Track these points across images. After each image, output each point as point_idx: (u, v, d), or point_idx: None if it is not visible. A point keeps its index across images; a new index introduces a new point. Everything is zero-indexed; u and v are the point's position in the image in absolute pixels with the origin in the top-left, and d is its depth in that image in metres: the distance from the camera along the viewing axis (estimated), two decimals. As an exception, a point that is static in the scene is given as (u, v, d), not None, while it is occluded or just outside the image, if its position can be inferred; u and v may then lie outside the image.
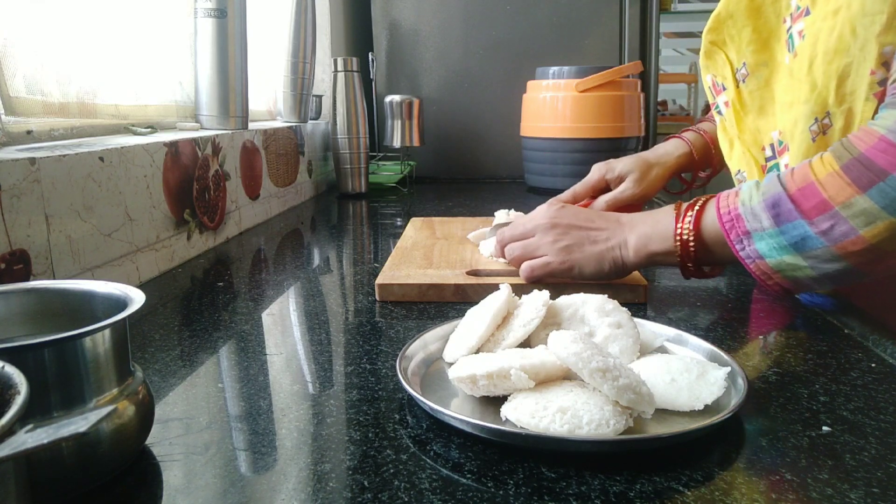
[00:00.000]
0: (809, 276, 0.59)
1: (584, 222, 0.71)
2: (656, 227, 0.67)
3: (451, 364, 0.51)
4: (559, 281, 0.71)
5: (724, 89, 0.82)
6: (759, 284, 0.63)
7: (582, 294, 0.57)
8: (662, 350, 0.55)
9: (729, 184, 0.76)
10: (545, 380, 0.45)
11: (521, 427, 0.42)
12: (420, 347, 0.54)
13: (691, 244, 0.64)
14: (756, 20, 0.74)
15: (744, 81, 0.76)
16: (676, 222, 0.65)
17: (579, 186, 0.99)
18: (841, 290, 0.73)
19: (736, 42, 0.76)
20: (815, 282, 0.60)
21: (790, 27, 0.71)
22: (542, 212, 0.74)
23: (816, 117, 0.68)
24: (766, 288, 0.62)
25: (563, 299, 0.56)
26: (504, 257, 0.77)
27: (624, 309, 0.55)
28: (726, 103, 0.82)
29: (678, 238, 0.64)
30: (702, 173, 1.04)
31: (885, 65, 0.62)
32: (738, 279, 0.84)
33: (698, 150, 0.99)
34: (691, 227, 0.64)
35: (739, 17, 0.75)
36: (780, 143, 0.75)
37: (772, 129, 0.76)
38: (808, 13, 0.67)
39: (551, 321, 0.55)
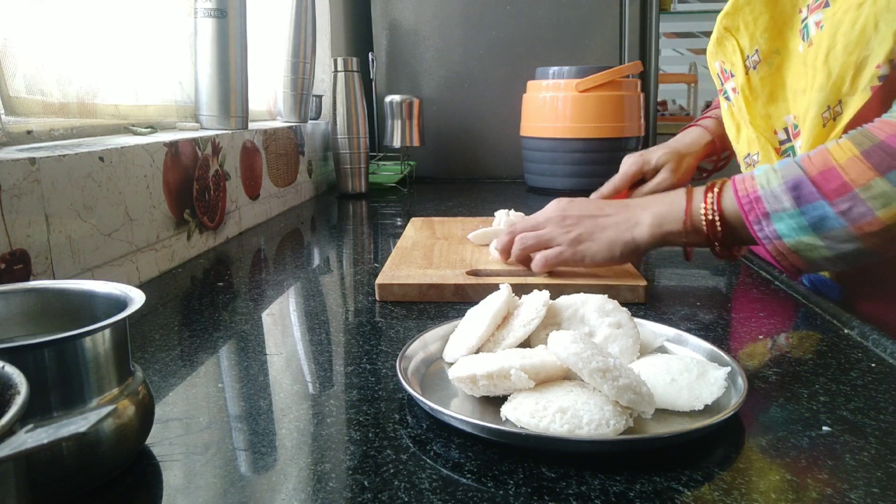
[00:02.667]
0: (824, 257, 0.62)
1: (593, 211, 0.74)
2: (672, 208, 0.69)
3: (451, 364, 0.51)
4: (572, 269, 0.73)
5: (733, 76, 0.84)
6: (774, 265, 0.65)
7: (582, 294, 0.57)
8: (662, 350, 0.55)
9: (734, 170, 0.77)
10: (545, 380, 0.45)
11: (521, 427, 0.42)
12: (420, 347, 0.54)
13: (718, 224, 0.66)
14: (773, 8, 0.76)
15: (754, 68, 0.78)
16: (688, 204, 0.68)
17: (618, 179, 1.01)
18: (847, 283, 0.75)
19: (750, 29, 0.78)
20: (828, 262, 0.63)
21: (806, 17, 0.73)
22: (552, 206, 0.76)
23: (829, 105, 0.70)
24: (780, 268, 0.65)
25: (563, 299, 0.57)
26: (511, 258, 0.78)
27: (624, 309, 0.55)
28: (734, 89, 0.84)
29: (705, 218, 0.67)
30: (724, 157, 1.07)
31: (891, 62, 0.64)
32: (739, 279, 0.84)
33: (719, 137, 1.01)
34: (715, 208, 0.66)
35: (758, 3, 0.77)
36: (796, 126, 0.77)
37: (784, 113, 0.78)
38: (827, 5, 0.68)
39: (551, 321, 0.55)
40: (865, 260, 0.63)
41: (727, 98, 0.86)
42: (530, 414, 0.42)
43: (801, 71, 0.73)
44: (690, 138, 1.03)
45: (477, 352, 0.52)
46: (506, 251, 0.78)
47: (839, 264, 0.64)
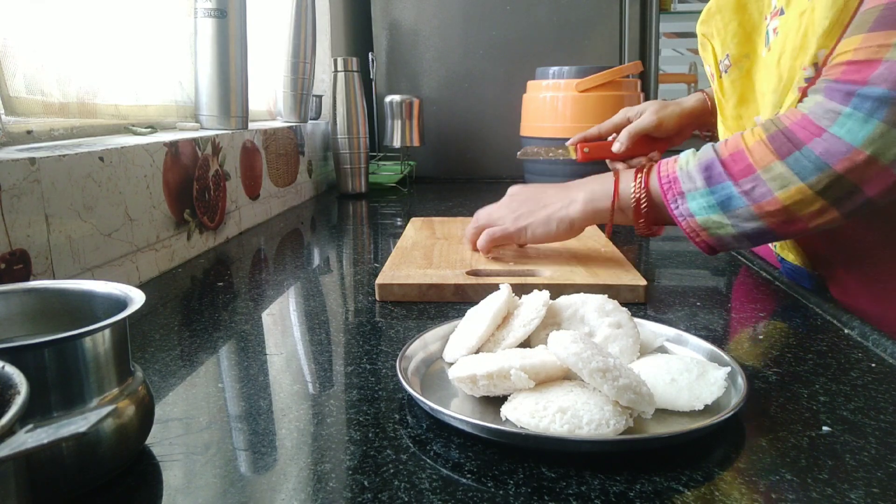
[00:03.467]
0: (731, 234, 0.67)
1: (538, 192, 0.83)
2: (603, 187, 0.76)
3: (451, 364, 0.51)
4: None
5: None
6: (691, 242, 0.70)
7: (582, 294, 0.57)
8: (662, 350, 0.55)
9: None
10: (545, 380, 0.45)
11: (521, 427, 0.42)
12: (420, 347, 0.54)
13: (644, 203, 0.72)
14: (742, 15, 0.80)
15: (726, 72, 0.81)
16: (616, 185, 0.75)
17: (605, 123, 1.09)
18: (820, 271, 0.78)
19: (722, 35, 0.81)
20: (735, 240, 0.68)
21: (769, 24, 0.76)
22: (507, 193, 0.86)
23: (781, 104, 0.73)
24: (695, 245, 0.70)
25: (563, 299, 0.57)
26: (473, 247, 0.85)
27: (624, 309, 0.55)
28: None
29: (634, 198, 0.73)
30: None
31: (815, 65, 0.67)
32: (738, 279, 0.84)
33: (714, 102, 1.04)
34: (642, 188, 0.72)
35: (727, 11, 0.80)
36: None
37: (754, 114, 0.81)
38: (782, 13, 0.72)
39: (551, 321, 0.55)
40: (769, 239, 0.68)
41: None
42: (530, 414, 0.42)
43: (765, 74, 0.76)
44: (684, 99, 1.09)
45: (477, 352, 0.52)
46: (472, 242, 0.85)
47: (745, 242, 0.68)
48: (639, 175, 0.73)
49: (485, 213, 0.85)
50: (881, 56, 0.58)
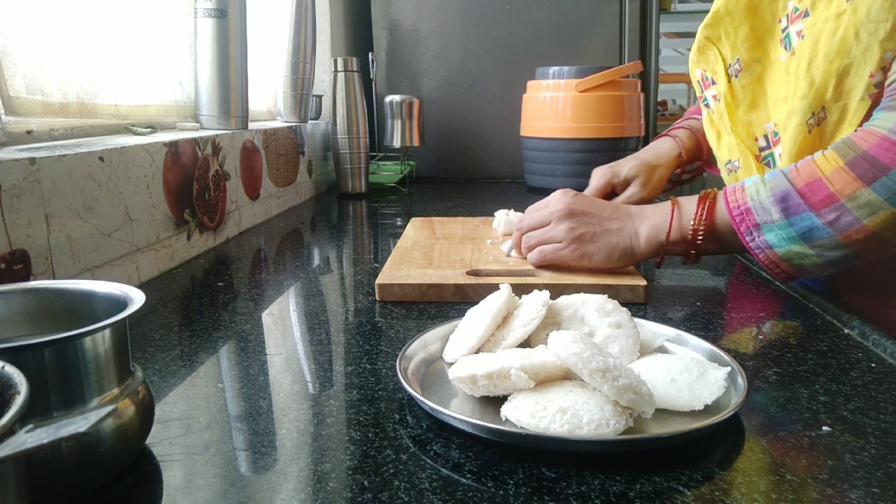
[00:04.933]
0: (815, 263, 0.65)
1: (598, 210, 0.75)
2: (667, 219, 0.72)
3: (451, 364, 0.51)
4: (571, 269, 0.75)
5: (714, 83, 0.85)
6: (767, 272, 0.67)
7: (582, 294, 0.57)
8: (662, 350, 0.55)
9: (711, 181, 0.78)
10: (545, 380, 0.45)
11: (521, 427, 0.42)
12: (420, 347, 0.54)
13: (700, 235, 0.69)
14: (753, 19, 0.78)
15: (736, 76, 0.80)
16: (674, 215, 0.71)
17: (588, 192, 1.01)
18: (834, 277, 0.76)
19: (731, 38, 0.80)
20: (819, 268, 0.65)
21: (786, 27, 0.74)
22: (558, 199, 0.77)
23: (813, 111, 0.72)
24: (773, 275, 0.68)
25: (563, 299, 0.57)
26: (521, 251, 0.80)
27: (624, 309, 0.55)
28: (714, 97, 0.86)
29: (693, 228, 0.70)
30: (690, 169, 1.09)
31: (884, 69, 0.65)
32: (739, 279, 0.84)
33: (687, 150, 1.04)
34: (703, 219, 0.69)
35: (737, 14, 0.79)
36: (776, 133, 0.78)
37: (765, 121, 0.79)
38: (807, 15, 0.70)
39: (551, 321, 0.55)
40: (855, 263, 0.65)
41: (707, 105, 0.87)
42: (530, 414, 0.42)
43: (783, 79, 0.74)
44: (662, 149, 1.04)
45: (477, 352, 0.52)
46: (518, 247, 0.81)
47: (829, 269, 0.66)
48: (701, 206, 0.70)
49: (536, 220, 0.78)
50: None
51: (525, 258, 0.80)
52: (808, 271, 0.66)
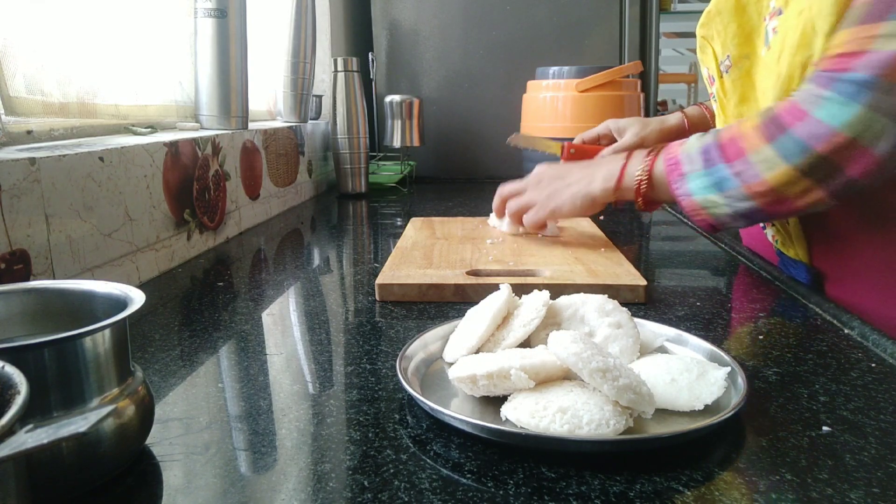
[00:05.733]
0: (726, 213, 0.71)
1: (564, 172, 0.89)
2: (619, 167, 0.82)
3: (451, 364, 0.51)
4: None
5: (713, 80, 0.89)
6: (692, 222, 0.74)
7: (582, 294, 0.57)
8: (662, 350, 0.55)
9: None
10: (545, 380, 0.45)
11: (521, 427, 0.42)
12: (420, 347, 0.54)
13: (644, 183, 0.78)
14: (741, 17, 0.81)
15: (727, 72, 0.83)
16: (623, 167, 0.81)
17: (586, 134, 1.15)
18: (818, 266, 0.80)
19: (722, 36, 0.83)
20: (731, 218, 0.71)
21: (767, 24, 0.78)
22: (535, 171, 0.93)
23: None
24: (695, 223, 0.75)
25: (563, 299, 0.57)
26: (504, 217, 0.95)
27: (624, 309, 0.55)
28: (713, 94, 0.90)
29: (638, 178, 0.79)
30: None
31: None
32: (738, 279, 0.84)
33: (692, 121, 1.11)
34: (646, 169, 0.78)
35: (726, 13, 0.82)
36: None
37: (755, 112, 0.81)
38: (780, 13, 0.74)
39: (551, 321, 0.55)
40: (762, 218, 0.74)
41: (715, 100, 0.91)
42: (530, 414, 0.42)
43: (766, 73, 0.78)
44: (668, 118, 1.12)
45: (477, 352, 0.52)
46: (500, 211, 0.95)
47: (740, 221, 0.73)
48: (648, 156, 0.79)
49: (515, 191, 0.92)
50: (867, 47, 0.61)
51: (499, 218, 0.95)
52: (722, 221, 0.72)
